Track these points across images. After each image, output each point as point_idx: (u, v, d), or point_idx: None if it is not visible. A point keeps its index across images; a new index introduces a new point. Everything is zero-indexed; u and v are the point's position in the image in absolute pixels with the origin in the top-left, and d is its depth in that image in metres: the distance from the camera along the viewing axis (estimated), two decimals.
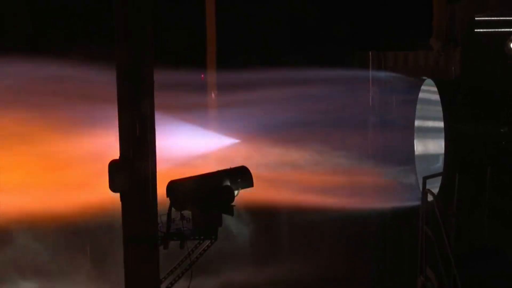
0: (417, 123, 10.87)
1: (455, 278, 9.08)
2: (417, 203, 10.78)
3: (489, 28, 12.14)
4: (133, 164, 7.16)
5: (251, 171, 7.95)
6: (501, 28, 12.04)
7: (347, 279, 14.85)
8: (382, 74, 14.63)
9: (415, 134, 10.92)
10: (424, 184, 9.80)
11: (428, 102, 10.30)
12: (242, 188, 7.80)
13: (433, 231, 9.71)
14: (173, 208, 7.64)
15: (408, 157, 11.47)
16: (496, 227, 10.76)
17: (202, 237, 7.70)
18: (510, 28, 11.93)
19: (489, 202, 10.90)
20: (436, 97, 11.18)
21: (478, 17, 12.20)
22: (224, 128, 13.66)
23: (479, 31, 12.20)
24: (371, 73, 14.72)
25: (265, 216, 14.14)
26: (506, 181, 10.86)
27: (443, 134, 10.44)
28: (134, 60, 7.12)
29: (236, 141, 13.63)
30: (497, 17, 12.12)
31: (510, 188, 10.82)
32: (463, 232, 10.96)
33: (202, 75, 14.88)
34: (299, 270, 14.80)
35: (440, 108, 10.35)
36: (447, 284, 9.30)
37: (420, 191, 10.27)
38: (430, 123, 10.08)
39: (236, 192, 7.66)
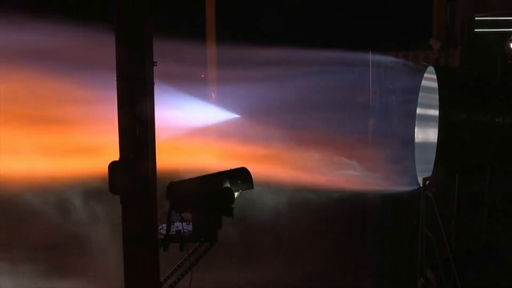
0: (418, 110, 10.78)
1: (455, 278, 9.07)
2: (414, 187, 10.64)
3: (489, 28, 12.13)
4: (133, 165, 7.13)
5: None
6: (501, 28, 12.03)
7: (348, 279, 14.85)
8: (382, 57, 14.65)
9: (416, 121, 10.83)
10: (424, 186, 9.77)
11: (430, 90, 10.19)
12: (242, 189, 7.76)
13: (433, 232, 9.69)
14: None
15: (406, 142, 11.37)
16: (496, 227, 10.74)
17: (202, 239, 7.67)
18: (510, 28, 11.93)
19: (489, 202, 10.88)
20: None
21: (478, 17, 12.19)
22: (225, 103, 13.67)
23: (479, 31, 12.19)
24: (371, 56, 14.71)
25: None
26: (506, 180, 10.83)
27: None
28: (134, 59, 7.10)
29: (237, 116, 13.63)
30: (497, 17, 12.11)
31: (510, 188, 10.80)
32: (463, 232, 10.94)
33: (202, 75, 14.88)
34: (296, 270, 14.80)
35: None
36: (447, 284, 9.30)
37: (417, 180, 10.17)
38: (432, 111, 9.96)
39: (236, 193, 7.62)
